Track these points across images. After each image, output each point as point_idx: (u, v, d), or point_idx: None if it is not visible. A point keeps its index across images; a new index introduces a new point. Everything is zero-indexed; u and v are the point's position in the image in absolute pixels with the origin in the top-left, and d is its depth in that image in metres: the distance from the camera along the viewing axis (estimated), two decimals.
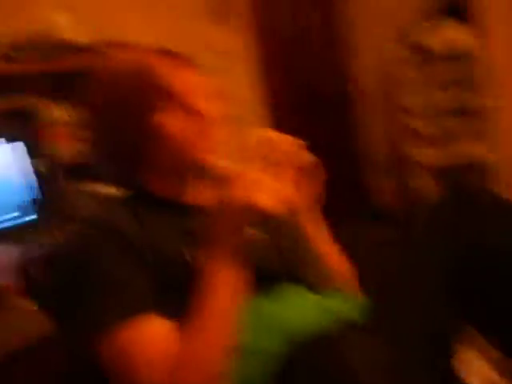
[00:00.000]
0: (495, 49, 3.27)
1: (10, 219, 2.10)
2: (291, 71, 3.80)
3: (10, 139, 2.14)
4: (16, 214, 2.13)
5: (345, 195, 3.88)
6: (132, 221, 1.00)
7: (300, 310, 1.00)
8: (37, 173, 2.18)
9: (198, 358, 0.85)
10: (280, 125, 3.40)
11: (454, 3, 3.37)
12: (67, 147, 2.32)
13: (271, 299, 1.00)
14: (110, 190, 2.19)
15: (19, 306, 1.76)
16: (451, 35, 3.31)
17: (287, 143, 1.00)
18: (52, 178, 2.23)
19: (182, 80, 1.04)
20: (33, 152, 2.17)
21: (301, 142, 1.02)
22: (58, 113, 2.34)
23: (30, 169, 2.17)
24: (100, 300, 0.92)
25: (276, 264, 1.09)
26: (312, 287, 1.09)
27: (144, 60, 1.03)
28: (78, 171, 2.28)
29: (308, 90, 3.89)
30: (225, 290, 0.88)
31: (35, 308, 1.45)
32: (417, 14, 3.48)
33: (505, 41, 3.27)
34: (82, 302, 0.93)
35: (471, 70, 3.31)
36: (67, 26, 2.36)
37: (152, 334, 0.88)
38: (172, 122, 1.02)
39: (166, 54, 1.07)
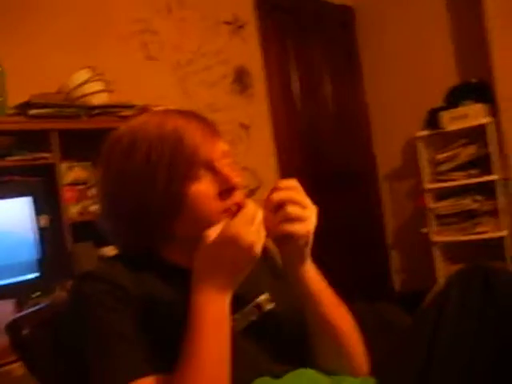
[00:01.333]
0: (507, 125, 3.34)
1: (11, 276, 2.06)
2: (313, 146, 3.83)
3: (20, 194, 2.13)
4: (18, 271, 2.09)
5: (366, 275, 3.87)
6: (134, 280, 0.97)
7: None
8: (42, 229, 2.14)
9: None
10: None
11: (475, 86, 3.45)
12: (77, 206, 2.30)
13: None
14: (114, 253, 2.19)
15: (6, 370, 1.70)
16: (467, 114, 3.40)
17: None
18: (57, 235, 2.19)
19: (212, 147, 1.00)
20: (40, 208, 2.15)
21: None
22: (74, 171, 2.34)
23: (35, 225, 2.14)
24: (105, 361, 0.89)
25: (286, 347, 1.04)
26: (324, 368, 1.04)
27: (172, 123, 1.00)
28: (85, 231, 2.26)
29: (329, 166, 3.92)
30: (214, 324, 0.89)
31: (23, 371, 1.39)
32: (439, 99, 3.57)
33: None
34: (87, 363, 0.91)
35: (485, 147, 3.39)
36: (91, 86, 2.39)
37: None
38: (203, 190, 0.98)
39: (193, 116, 1.03)
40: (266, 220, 0.93)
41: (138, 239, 1.01)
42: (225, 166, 1.01)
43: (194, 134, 0.99)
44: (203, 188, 0.98)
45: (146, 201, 0.97)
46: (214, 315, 0.90)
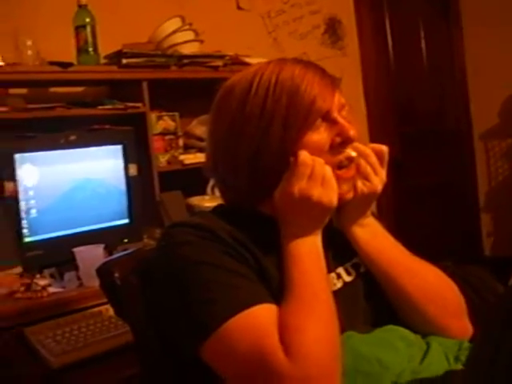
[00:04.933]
0: None
1: (102, 221, 2.11)
2: (405, 102, 3.69)
3: (110, 142, 2.16)
4: (109, 216, 2.14)
5: (456, 238, 3.76)
6: (232, 230, 0.96)
7: (397, 353, 0.93)
8: (131, 178, 2.18)
9: (309, 325, 0.86)
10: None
11: None
12: (166, 155, 2.32)
13: (369, 342, 0.95)
14: (203, 202, 2.20)
15: (97, 311, 1.76)
16: None
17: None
18: (146, 184, 2.23)
19: (330, 98, 0.97)
20: (130, 157, 2.18)
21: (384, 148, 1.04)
22: (163, 121, 2.35)
23: (124, 173, 2.18)
24: (213, 295, 0.88)
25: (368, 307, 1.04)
26: (413, 325, 1.02)
27: (289, 71, 0.97)
28: (173, 180, 2.28)
29: (422, 123, 3.79)
30: (310, 259, 0.94)
31: (112, 314, 1.43)
32: None
33: None
34: (192, 301, 0.89)
35: None
36: (181, 36, 2.38)
37: (269, 321, 0.87)
38: (317, 140, 0.96)
39: (311, 65, 1.00)
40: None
41: (249, 188, 0.99)
42: (342, 117, 0.98)
43: (312, 83, 0.96)
44: (318, 138, 0.96)
45: (261, 148, 0.95)
46: (308, 253, 0.94)
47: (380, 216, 1.17)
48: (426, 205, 3.71)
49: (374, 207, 1.10)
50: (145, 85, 2.23)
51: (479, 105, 3.97)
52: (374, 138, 3.33)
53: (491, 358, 0.86)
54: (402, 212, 3.51)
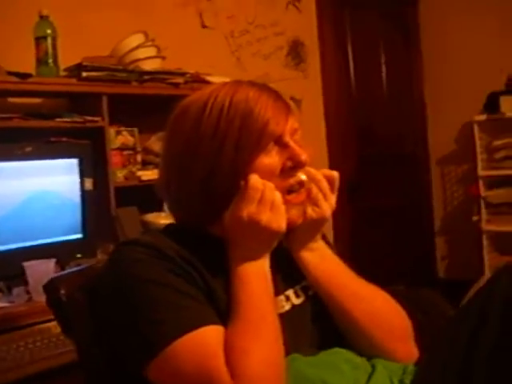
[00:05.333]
0: None
1: (55, 235, 2.08)
2: (364, 125, 3.75)
3: (67, 155, 2.14)
4: (62, 231, 2.11)
5: (410, 261, 3.82)
6: (181, 250, 0.96)
7: (342, 375, 0.94)
8: (86, 192, 2.15)
9: (253, 340, 0.87)
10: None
11: None
12: (123, 171, 2.30)
13: (315, 364, 0.95)
14: (159, 219, 2.19)
15: (45, 327, 1.72)
16: None
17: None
18: (102, 199, 2.20)
19: (283, 122, 0.98)
20: (86, 171, 2.16)
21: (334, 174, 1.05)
22: (122, 136, 2.34)
23: (80, 187, 2.15)
24: (161, 315, 0.88)
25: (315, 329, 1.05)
26: (359, 349, 1.03)
27: (244, 93, 0.98)
28: (129, 196, 2.26)
29: (380, 146, 3.86)
30: (257, 282, 0.94)
31: (58, 331, 1.41)
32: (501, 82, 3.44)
33: None
34: (140, 319, 0.89)
35: None
36: (143, 51, 2.37)
37: (216, 343, 0.87)
38: (268, 163, 0.97)
39: (265, 89, 1.01)
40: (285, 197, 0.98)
41: (200, 209, 0.99)
42: (294, 142, 0.99)
43: (265, 106, 0.97)
44: (269, 161, 0.97)
45: (212, 170, 0.95)
46: (256, 276, 0.95)
47: (336, 237, 1.19)
48: (383, 227, 3.76)
49: (330, 228, 1.11)
50: (104, 99, 2.22)
51: (437, 130, 4.06)
52: (333, 160, 3.38)
53: (438, 378, 0.88)
54: (359, 234, 3.55)
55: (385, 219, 3.78)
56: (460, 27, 3.84)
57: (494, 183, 3.49)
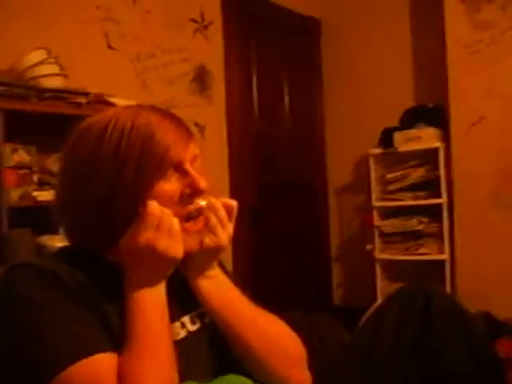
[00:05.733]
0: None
1: None
2: (266, 153, 3.82)
3: None
4: None
5: (308, 287, 3.90)
6: (75, 273, 0.94)
7: None
8: None
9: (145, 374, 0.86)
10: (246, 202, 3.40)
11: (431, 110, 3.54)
12: (18, 190, 2.21)
13: None
14: (54, 242, 2.11)
15: None
16: (421, 136, 3.47)
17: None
18: None
19: (183, 148, 0.99)
20: None
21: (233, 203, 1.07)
22: (18, 154, 2.25)
23: None
24: (55, 341, 0.85)
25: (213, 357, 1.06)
26: (255, 375, 1.04)
27: (145, 118, 0.97)
28: (24, 217, 2.18)
29: (280, 174, 3.94)
30: (152, 309, 0.93)
31: None
32: (395, 119, 3.63)
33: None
34: (32, 345, 0.86)
35: (435, 170, 3.47)
36: (45, 68, 2.31)
37: (110, 371, 0.86)
38: (168, 190, 0.97)
39: (167, 114, 1.01)
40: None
41: (96, 233, 0.97)
42: (194, 169, 1.00)
43: (166, 132, 0.97)
44: (168, 188, 0.97)
45: (111, 193, 0.94)
46: (151, 303, 0.94)
47: (235, 263, 1.20)
48: (281, 254, 3.83)
49: (229, 255, 1.12)
50: (1, 114, 2.13)
51: (335, 161, 4.21)
52: (234, 187, 3.41)
53: None
54: (258, 260, 3.60)
55: (283, 246, 3.86)
56: (359, 62, 4.04)
57: (387, 213, 3.66)
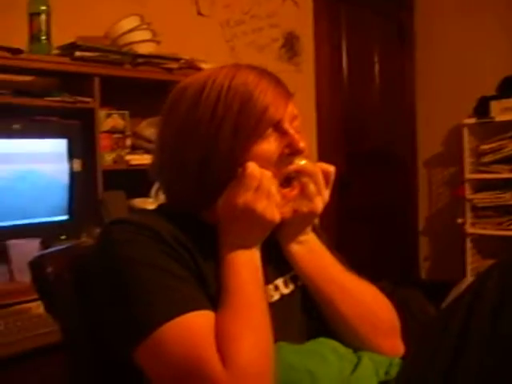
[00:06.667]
0: None
1: (40, 216, 2.05)
2: (355, 123, 3.75)
3: (56, 135, 2.11)
4: (47, 211, 2.08)
5: (393, 260, 3.83)
6: (174, 231, 0.94)
7: (328, 365, 0.94)
8: (74, 173, 2.12)
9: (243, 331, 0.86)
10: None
11: None
12: (112, 154, 2.27)
13: (300, 353, 0.95)
14: (146, 205, 2.17)
15: (26, 307, 1.70)
16: None
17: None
18: (89, 181, 2.17)
19: (282, 107, 0.96)
20: (74, 152, 2.13)
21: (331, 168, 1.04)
22: (112, 119, 2.31)
23: (68, 168, 2.12)
24: (152, 297, 0.86)
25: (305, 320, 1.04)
26: (345, 341, 1.02)
27: (243, 77, 0.95)
28: (117, 180, 2.24)
29: (368, 144, 3.86)
30: (247, 270, 0.93)
31: (42, 311, 1.39)
32: (491, 87, 3.44)
33: None
34: (131, 300, 0.87)
35: None
36: (138, 34, 2.35)
37: (207, 328, 0.86)
38: (266, 150, 0.95)
39: (266, 73, 0.99)
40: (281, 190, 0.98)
41: (194, 194, 0.97)
42: (293, 129, 0.97)
43: (265, 91, 0.95)
44: (267, 147, 0.95)
45: (209, 154, 0.93)
46: (247, 264, 0.94)
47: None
48: (368, 226, 3.77)
49: (316, 221, 1.10)
50: (97, 80, 2.18)
51: (426, 132, 4.08)
52: (322, 156, 3.37)
53: (426, 369, 0.88)
54: (343, 231, 3.55)
55: (370, 218, 3.79)
56: (453, 31, 3.85)
57: (479, 186, 3.50)
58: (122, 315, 0.87)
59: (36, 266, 1.08)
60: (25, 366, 1.58)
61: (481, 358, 0.86)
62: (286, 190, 0.99)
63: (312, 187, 1.00)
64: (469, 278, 3.37)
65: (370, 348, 1.03)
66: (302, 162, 0.99)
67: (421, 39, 4.06)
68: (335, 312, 1.03)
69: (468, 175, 3.48)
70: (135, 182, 2.11)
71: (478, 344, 0.87)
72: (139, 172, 2.17)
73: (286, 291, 1.04)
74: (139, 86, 2.38)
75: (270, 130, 0.95)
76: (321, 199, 1.01)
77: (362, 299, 1.06)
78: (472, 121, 3.45)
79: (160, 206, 1.06)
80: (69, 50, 2.13)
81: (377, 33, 3.89)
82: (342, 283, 1.05)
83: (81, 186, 2.15)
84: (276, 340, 0.91)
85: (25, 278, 1.54)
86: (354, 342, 1.03)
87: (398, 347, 1.07)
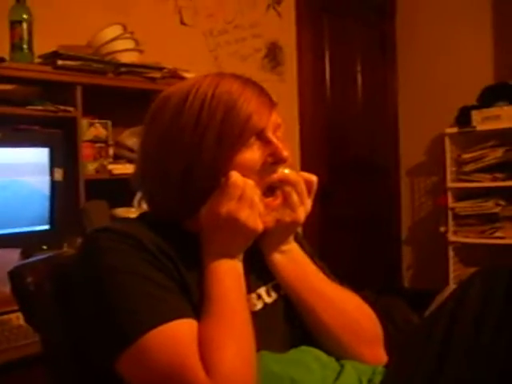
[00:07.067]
0: None
1: (21, 225, 2.03)
2: (337, 132, 3.77)
3: (37, 144, 2.09)
4: (28, 221, 2.06)
5: (376, 269, 3.84)
6: (157, 239, 0.94)
7: (311, 373, 0.94)
8: (56, 182, 2.11)
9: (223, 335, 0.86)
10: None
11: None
12: (94, 163, 2.26)
13: (283, 361, 0.94)
14: (129, 214, 2.15)
15: (6, 319, 1.67)
16: (500, 115, 3.33)
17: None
18: (71, 190, 2.16)
19: (266, 116, 0.96)
20: (56, 161, 2.11)
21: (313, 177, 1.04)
22: (94, 128, 2.30)
23: (49, 177, 2.10)
24: (135, 305, 0.85)
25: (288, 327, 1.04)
26: (327, 350, 1.02)
27: (227, 85, 0.95)
28: (99, 190, 2.22)
29: (351, 154, 3.88)
30: (230, 278, 0.93)
31: (22, 322, 1.37)
32: (472, 97, 3.49)
33: None
34: (114, 309, 0.86)
35: None
36: (121, 43, 2.34)
37: (190, 336, 0.85)
38: (249, 159, 0.95)
39: (249, 82, 0.99)
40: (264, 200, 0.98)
41: (177, 203, 0.97)
42: (276, 138, 0.97)
43: (249, 100, 0.95)
44: (250, 157, 0.95)
45: (192, 163, 0.93)
46: (229, 272, 0.94)
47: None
48: (350, 235, 3.78)
49: (299, 230, 1.10)
50: (79, 89, 2.17)
51: (408, 141, 4.11)
52: (304, 165, 3.38)
53: (410, 377, 0.88)
54: (326, 241, 3.56)
55: (353, 227, 3.81)
56: (434, 41, 3.90)
57: (461, 195, 3.53)
58: (105, 324, 0.87)
59: (16, 275, 1.06)
60: (5, 379, 1.56)
61: (464, 365, 0.87)
62: (269, 199, 0.99)
63: (295, 197, 1.00)
64: (451, 286, 3.38)
65: (352, 357, 1.03)
66: (285, 171, 0.99)
67: (402, 49, 4.10)
68: (317, 321, 1.03)
69: (450, 184, 3.51)
70: (118, 191, 2.10)
71: (461, 352, 0.87)
72: (122, 181, 2.16)
73: (268, 300, 1.03)
74: (122, 95, 2.38)
75: (253, 139, 0.95)
76: (303, 209, 1.01)
77: (344, 308, 1.06)
78: (454, 130, 3.49)
79: (142, 215, 1.06)
80: (51, 58, 2.12)
81: (359, 43, 3.92)
82: (323, 292, 1.05)
83: (63, 195, 2.14)
84: (259, 349, 0.91)
85: (4, 288, 1.52)
86: (337, 350, 1.03)
87: (380, 356, 1.07)
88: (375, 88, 4.03)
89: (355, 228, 3.83)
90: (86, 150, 2.24)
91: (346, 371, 0.97)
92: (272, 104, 0.99)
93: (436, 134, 3.78)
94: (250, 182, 0.94)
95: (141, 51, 2.44)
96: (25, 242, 1.96)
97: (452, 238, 3.51)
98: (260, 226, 0.95)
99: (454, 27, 3.80)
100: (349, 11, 3.82)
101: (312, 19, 3.58)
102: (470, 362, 0.87)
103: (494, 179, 3.36)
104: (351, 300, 1.08)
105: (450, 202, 3.50)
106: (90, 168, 2.25)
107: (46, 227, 2.10)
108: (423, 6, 3.96)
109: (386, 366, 1.03)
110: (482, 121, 3.36)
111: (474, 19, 3.74)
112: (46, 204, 2.11)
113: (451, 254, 3.53)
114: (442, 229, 3.56)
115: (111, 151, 2.35)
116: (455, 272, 3.51)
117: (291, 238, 1.07)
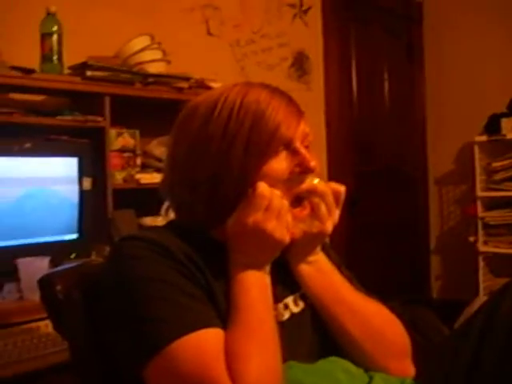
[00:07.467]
0: None
1: (50, 234, 2.05)
2: (364, 141, 3.75)
3: (66, 154, 2.12)
4: (57, 230, 2.08)
5: (404, 279, 3.79)
6: (185, 248, 0.94)
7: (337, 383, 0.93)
8: (84, 192, 2.13)
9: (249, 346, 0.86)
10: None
11: None
12: (122, 173, 2.28)
13: (311, 372, 0.94)
14: (156, 223, 2.16)
15: (35, 326, 1.69)
16: None
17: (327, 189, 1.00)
18: (99, 199, 2.18)
19: (294, 126, 0.96)
20: (85, 170, 2.14)
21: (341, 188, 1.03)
22: (122, 138, 2.32)
23: (78, 186, 2.13)
24: (163, 314, 0.85)
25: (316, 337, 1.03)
26: (354, 361, 1.01)
27: (255, 94, 0.95)
28: (127, 199, 2.24)
29: (379, 163, 3.85)
30: (257, 289, 0.93)
31: (51, 330, 1.38)
32: (502, 105, 3.44)
33: None
34: (142, 317, 0.86)
35: None
36: (149, 54, 2.36)
37: (217, 346, 0.85)
38: (276, 168, 0.95)
39: (277, 91, 0.99)
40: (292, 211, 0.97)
41: (204, 213, 0.97)
42: (304, 148, 0.97)
43: (277, 109, 0.94)
44: (278, 167, 0.95)
45: (219, 173, 0.93)
46: (256, 283, 0.93)
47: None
48: (378, 244, 3.75)
49: (327, 239, 1.09)
50: (107, 99, 2.20)
51: (437, 150, 4.06)
52: (332, 174, 3.37)
53: None
54: (353, 250, 3.53)
55: (381, 236, 3.77)
56: (463, 47, 3.86)
57: (491, 204, 3.48)
58: (133, 332, 0.87)
59: (45, 284, 1.07)
60: None
61: (495, 375, 0.85)
62: (297, 210, 0.98)
63: (323, 208, 0.99)
64: (481, 297, 3.33)
65: (378, 368, 1.01)
66: (315, 181, 0.98)
67: (430, 56, 4.07)
68: (343, 332, 1.02)
69: (479, 193, 3.46)
70: (145, 200, 2.11)
71: (489, 371, 0.86)
72: (149, 190, 2.17)
73: (296, 310, 1.03)
74: (149, 105, 2.40)
75: (281, 148, 0.95)
76: (331, 220, 1.00)
77: (370, 319, 1.04)
78: (483, 138, 3.44)
79: (170, 223, 1.06)
80: (80, 69, 2.15)
81: (386, 51, 3.90)
82: (350, 304, 1.04)
83: (91, 204, 2.16)
84: (286, 359, 0.90)
85: (34, 296, 1.54)
86: (362, 361, 1.02)
87: (407, 369, 1.05)
88: (402, 96, 4.00)
89: (383, 237, 3.79)
90: (114, 160, 2.26)
91: (374, 383, 0.96)
92: (300, 113, 0.99)
93: (465, 143, 3.74)
94: (277, 193, 0.93)
95: (168, 61, 2.46)
96: (54, 250, 1.98)
97: (482, 247, 3.46)
98: (287, 238, 0.95)
99: (482, 34, 3.76)
100: (375, 20, 3.81)
101: (338, 28, 3.57)
102: (501, 381, 0.85)
103: None
104: (378, 311, 1.07)
105: (480, 212, 3.45)
106: (118, 177, 2.27)
107: (75, 236, 2.13)
108: (450, 14, 3.93)
109: (415, 378, 1.02)
110: (511, 129, 3.31)
111: (504, 26, 3.69)
112: (75, 213, 2.13)
113: (481, 264, 3.48)
114: (472, 238, 3.51)
115: (139, 161, 2.37)
116: (485, 282, 3.45)
117: (318, 249, 1.06)
